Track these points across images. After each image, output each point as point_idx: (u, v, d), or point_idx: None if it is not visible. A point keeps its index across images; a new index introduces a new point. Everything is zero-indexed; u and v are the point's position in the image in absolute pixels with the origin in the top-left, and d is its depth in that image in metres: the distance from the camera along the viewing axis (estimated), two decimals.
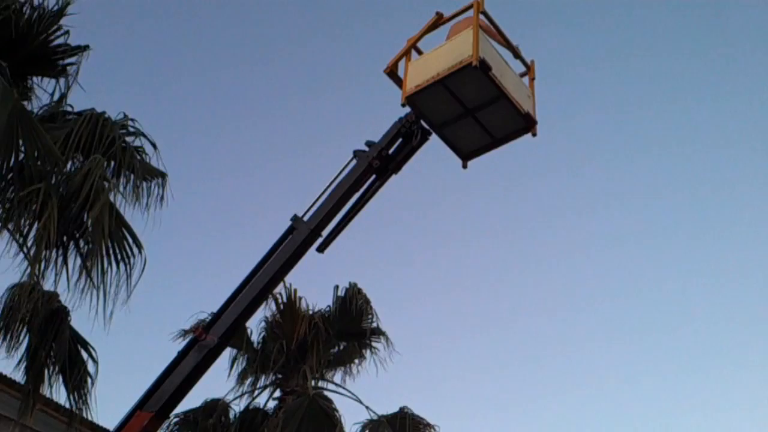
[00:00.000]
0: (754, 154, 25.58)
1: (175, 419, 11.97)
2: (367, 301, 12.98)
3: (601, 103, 26.65)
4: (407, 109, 6.47)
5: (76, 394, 8.22)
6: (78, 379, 8.20)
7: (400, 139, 6.54)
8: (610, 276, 27.85)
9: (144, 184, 8.83)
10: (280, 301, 13.08)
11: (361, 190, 6.56)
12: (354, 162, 6.49)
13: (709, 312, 27.08)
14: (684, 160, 26.40)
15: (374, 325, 13.10)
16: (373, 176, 6.54)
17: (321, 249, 6.50)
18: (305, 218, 6.40)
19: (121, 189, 8.82)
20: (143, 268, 8.38)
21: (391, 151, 6.52)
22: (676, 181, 26.65)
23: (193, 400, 12.06)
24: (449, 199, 27.52)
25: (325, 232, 6.51)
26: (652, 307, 27.31)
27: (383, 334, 13.11)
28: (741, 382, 25.42)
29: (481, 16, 6.42)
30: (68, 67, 9.60)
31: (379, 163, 6.42)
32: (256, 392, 12.92)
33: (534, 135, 6.51)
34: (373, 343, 13.15)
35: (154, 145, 9.14)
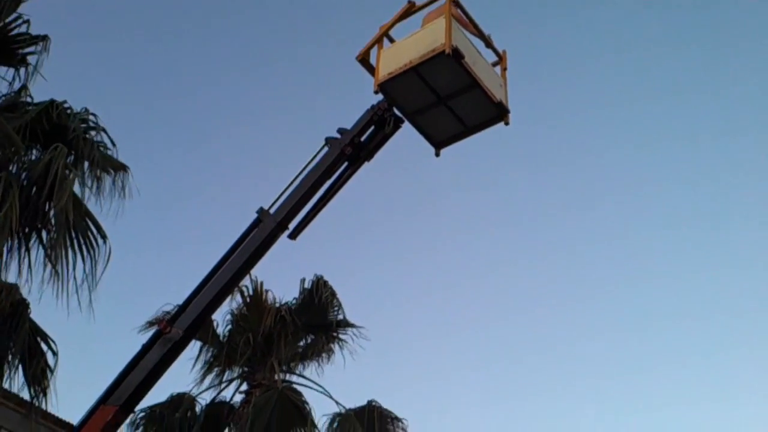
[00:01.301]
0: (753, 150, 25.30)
1: (141, 413, 11.54)
2: (333, 294, 12.71)
3: (585, 96, 26.38)
4: (380, 97, 6.30)
5: (35, 387, 7.82)
6: (37, 372, 7.80)
7: (372, 127, 6.36)
8: (584, 275, 27.63)
9: (105, 175, 8.53)
10: (245, 293, 12.74)
11: (333, 178, 6.37)
12: (326, 149, 6.28)
13: (705, 307, 26.83)
14: (681, 154, 26.13)
15: (340, 317, 12.83)
16: (345, 164, 6.36)
17: (293, 236, 6.33)
18: (272, 210, 6.22)
19: (83, 179, 8.52)
20: (108, 259, 8.15)
21: (363, 139, 6.36)
22: (674, 174, 26.35)
23: (158, 393, 11.63)
24: (423, 191, 27.15)
25: (295, 221, 6.31)
26: (629, 309, 27.11)
27: (350, 325, 12.84)
28: (741, 379, 25.18)
29: (453, 6, 6.23)
30: (28, 57, 9.23)
31: (351, 150, 6.26)
32: (223, 386, 12.56)
33: (507, 124, 6.38)
34: (341, 336, 12.86)
35: (113, 142, 8.95)
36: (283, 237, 6.26)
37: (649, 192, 26.41)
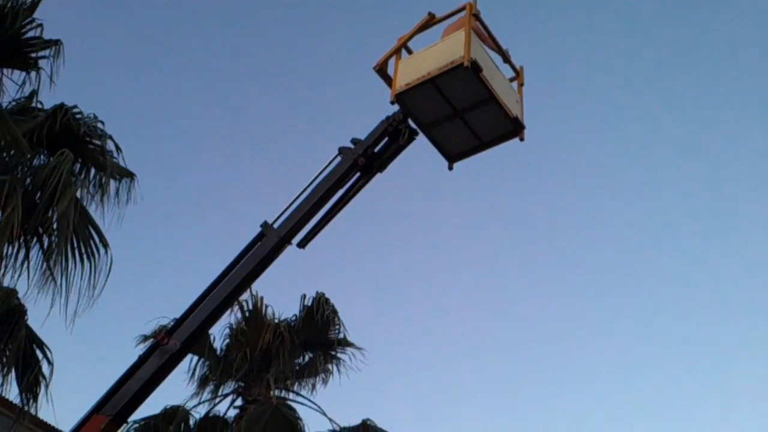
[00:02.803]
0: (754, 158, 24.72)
1: (133, 424, 11.01)
2: (335, 312, 12.26)
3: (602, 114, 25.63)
4: (395, 108, 5.98)
5: (28, 393, 7.37)
6: (31, 380, 7.35)
7: (386, 138, 6.05)
8: (590, 305, 26.87)
9: (112, 182, 8.19)
10: (245, 308, 12.29)
11: (345, 188, 6.03)
12: (338, 159, 5.96)
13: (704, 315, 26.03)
14: (685, 162, 25.48)
15: (341, 335, 12.37)
16: (358, 174, 6.04)
17: (302, 245, 5.95)
18: (277, 223, 5.90)
19: (88, 186, 8.19)
20: (110, 268, 7.78)
21: (377, 150, 6.05)
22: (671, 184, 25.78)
23: (152, 405, 11.13)
24: (433, 206, 26.45)
25: (304, 231, 5.95)
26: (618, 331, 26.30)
27: (351, 344, 12.38)
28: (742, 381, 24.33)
29: (474, 20, 5.95)
30: (40, 61, 8.93)
31: (364, 161, 5.94)
32: (218, 400, 12.05)
33: (522, 140, 6.07)
34: (339, 354, 12.38)
35: (118, 148, 8.60)
36: (291, 247, 5.91)
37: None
